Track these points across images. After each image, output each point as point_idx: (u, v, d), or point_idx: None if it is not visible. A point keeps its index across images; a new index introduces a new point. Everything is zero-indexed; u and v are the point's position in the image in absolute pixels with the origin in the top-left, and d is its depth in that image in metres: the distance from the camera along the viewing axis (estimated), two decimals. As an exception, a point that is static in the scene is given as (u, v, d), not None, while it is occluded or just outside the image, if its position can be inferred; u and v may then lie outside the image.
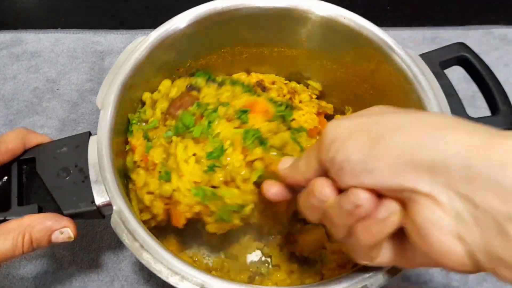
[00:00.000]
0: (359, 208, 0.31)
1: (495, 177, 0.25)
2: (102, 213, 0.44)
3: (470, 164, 0.26)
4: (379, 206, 0.31)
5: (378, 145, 0.30)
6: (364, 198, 0.31)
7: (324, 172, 0.34)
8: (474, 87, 0.53)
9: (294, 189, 0.40)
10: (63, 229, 0.42)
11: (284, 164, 0.40)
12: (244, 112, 0.48)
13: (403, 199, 0.30)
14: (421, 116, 0.31)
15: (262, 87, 0.61)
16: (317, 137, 0.57)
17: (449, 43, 0.54)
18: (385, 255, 0.35)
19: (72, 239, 0.43)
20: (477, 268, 0.28)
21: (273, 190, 0.41)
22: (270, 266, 0.56)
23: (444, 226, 0.28)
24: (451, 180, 0.27)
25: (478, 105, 0.64)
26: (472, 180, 0.26)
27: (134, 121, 0.51)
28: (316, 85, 0.62)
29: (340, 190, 0.33)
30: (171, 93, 0.52)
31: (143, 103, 0.54)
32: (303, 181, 0.36)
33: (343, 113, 0.62)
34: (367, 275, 0.40)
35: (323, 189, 0.33)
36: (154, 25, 0.53)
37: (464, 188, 0.27)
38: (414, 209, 0.29)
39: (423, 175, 0.28)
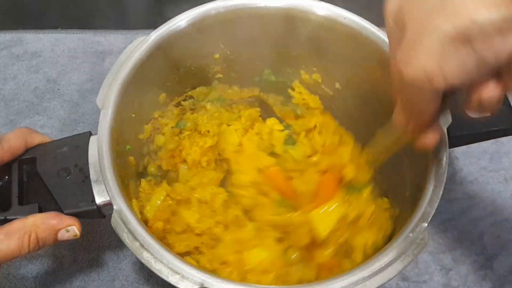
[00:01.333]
0: None
1: None
2: (102, 213, 0.44)
3: None
4: None
5: None
6: None
7: None
8: None
9: None
10: (69, 227, 0.43)
11: (399, 121, 0.39)
12: None
13: None
14: None
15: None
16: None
17: (449, 43, 0.54)
18: None
19: (78, 237, 0.43)
20: None
21: (428, 138, 0.39)
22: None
23: None
24: None
25: (478, 105, 0.64)
26: None
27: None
28: (316, 85, 0.62)
29: None
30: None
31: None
32: (427, 117, 0.36)
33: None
34: (366, 274, 0.40)
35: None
36: (154, 25, 0.53)
37: None
38: None
39: None
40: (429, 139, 0.39)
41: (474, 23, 0.28)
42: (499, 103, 0.33)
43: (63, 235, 0.43)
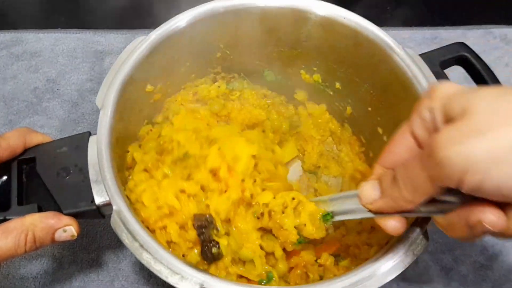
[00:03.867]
0: None
1: None
2: (102, 213, 0.44)
3: None
4: None
5: None
6: None
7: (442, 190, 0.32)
8: (474, 87, 0.53)
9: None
10: (66, 227, 0.42)
11: (368, 196, 0.38)
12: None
13: None
14: None
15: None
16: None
17: (449, 43, 0.54)
18: None
19: (75, 237, 0.43)
20: None
21: (392, 224, 0.38)
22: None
23: None
24: None
25: (478, 105, 0.64)
26: None
27: None
28: (316, 85, 0.62)
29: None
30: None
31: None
32: (412, 207, 0.35)
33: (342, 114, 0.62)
34: (367, 275, 0.40)
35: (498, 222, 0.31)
36: (154, 24, 0.53)
37: None
38: None
39: None
40: (395, 226, 0.38)
41: None
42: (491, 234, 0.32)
43: (60, 235, 0.42)
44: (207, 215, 0.47)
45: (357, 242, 0.53)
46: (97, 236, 0.58)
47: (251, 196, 0.49)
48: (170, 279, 0.39)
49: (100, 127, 0.46)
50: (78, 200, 0.44)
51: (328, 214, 0.44)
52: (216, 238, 0.47)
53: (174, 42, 0.53)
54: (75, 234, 0.43)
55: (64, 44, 0.74)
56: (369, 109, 0.58)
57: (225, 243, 0.47)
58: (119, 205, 0.43)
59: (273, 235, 0.48)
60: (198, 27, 0.54)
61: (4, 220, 0.43)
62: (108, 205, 0.43)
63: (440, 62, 0.52)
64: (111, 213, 0.43)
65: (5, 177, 0.46)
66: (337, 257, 0.53)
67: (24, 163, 0.47)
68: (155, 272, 0.40)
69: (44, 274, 0.56)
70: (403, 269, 0.41)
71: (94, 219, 0.45)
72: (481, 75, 0.51)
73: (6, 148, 0.45)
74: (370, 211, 0.39)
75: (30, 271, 0.56)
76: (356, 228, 0.54)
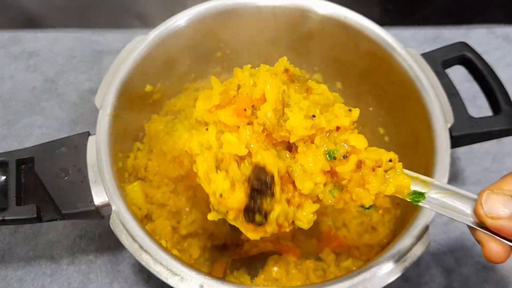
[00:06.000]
0: None
1: None
2: (101, 214, 0.44)
3: None
4: None
5: None
6: None
7: None
8: (476, 87, 0.52)
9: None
10: None
11: (495, 209, 0.32)
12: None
13: None
14: None
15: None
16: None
17: (451, 42, 0.54)
18: None
19: None
20: None
21: (496, 248, 0.33)
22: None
23: None
24: None
25: (480, 105, 0.64)
26: None
27: None
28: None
29: None
30: None
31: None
32: None
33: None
34: (368, 276, 0.40)
35: None
36: (153, 23, 0.52)
37: None
38: None
39: None
40: (497, 251, 0.33)
41: None
42: None
43: None
44: (269, 176, 0.37)
45: (358, 243, 0.52)
46: (96, 237, 0.58)
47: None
48: (170, 281, 0.39)
49: (99, 127, 0.46)
50: (77, 201, 0.43)
51: (421, 193, 0.38)
52: (267, 207, 0.37)
53: (174, 42, 0.53)
54: None
55: (62, 43, 0.74)
56: (371, 109, 0.57)
57: (278, 210, 0.37)
58: (119, 205, 0.42)
59: (338, 187, 0.39)
60: (197, 26, 0.54)
61: (3, 220, 0.43)
62: (107, 205, 0.43)
63: (442, 61, 0.52)
64: (110, 214, 0.43)
65: (3, 177, 0.46)
66: (338, 255, 0.53)
67: (22, 163, 0.46)
68: (154, 273, 0.40)
69: (43, 276, 0.55)
70: (404, 270, 0.40)
71: (93, 220, 0.45)
72: (483, 75, 0.51)
73: None
74: (478, 222, 0.34)
75: (29, 272, 0.55)
76: (357, 229, 0.54)
